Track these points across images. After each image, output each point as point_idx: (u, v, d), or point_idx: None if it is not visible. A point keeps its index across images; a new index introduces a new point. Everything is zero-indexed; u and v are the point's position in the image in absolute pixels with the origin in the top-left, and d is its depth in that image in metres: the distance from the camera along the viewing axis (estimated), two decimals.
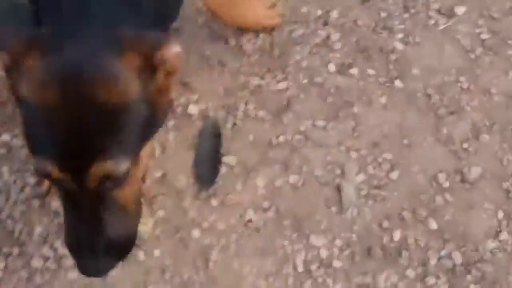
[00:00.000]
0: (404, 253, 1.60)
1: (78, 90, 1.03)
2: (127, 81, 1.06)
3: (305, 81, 1.85)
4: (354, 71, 1.87)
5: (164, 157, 1.75)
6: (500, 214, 1.65)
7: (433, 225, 1.63)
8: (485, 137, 1.75)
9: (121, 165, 1.09)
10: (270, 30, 1.94)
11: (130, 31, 1.08)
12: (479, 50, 1.90)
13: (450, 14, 1.98)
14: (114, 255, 1.20)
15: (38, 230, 1.66)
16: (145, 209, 1.50)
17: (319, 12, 1.99)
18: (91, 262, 1.17)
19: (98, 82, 1.04)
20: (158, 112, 1.15)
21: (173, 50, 1.09)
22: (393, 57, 1.89)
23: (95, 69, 1.05)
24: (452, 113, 1.79)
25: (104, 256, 1.17)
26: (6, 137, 1.80)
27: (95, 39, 1.07)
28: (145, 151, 1.17)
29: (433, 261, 1.59)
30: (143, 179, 1.27)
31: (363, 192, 1.68)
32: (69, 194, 1.12)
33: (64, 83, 1.04)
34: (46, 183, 1.69)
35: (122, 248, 1.22)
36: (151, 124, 1.15)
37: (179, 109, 1.82)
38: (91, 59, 1.05)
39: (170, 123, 1.78)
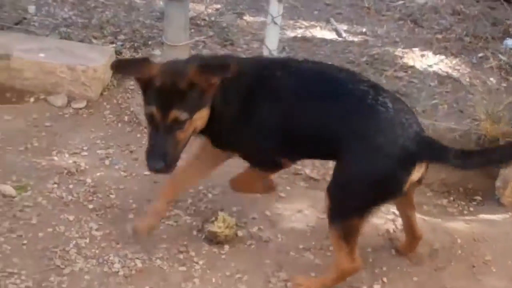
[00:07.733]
0: None
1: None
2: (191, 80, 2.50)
3: None
4: None
5: None
6: None
7: None
8: None
9: (183, 115, 2.50)
10: None
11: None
12: None
13: None
14: (165, 162, 2.54)
15: None
16: None
17: None
18: (153, 161, 2.54)
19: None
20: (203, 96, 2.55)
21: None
22: None
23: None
24: None
25: (160, 160, 2.53)
26: None
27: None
28: (198, 115, 2.56)
29: None
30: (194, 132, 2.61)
31: None
32: (155, 125, 2.54)
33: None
34: None
35: (170, 161, 2.56)
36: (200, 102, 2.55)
37: None
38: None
39: None
